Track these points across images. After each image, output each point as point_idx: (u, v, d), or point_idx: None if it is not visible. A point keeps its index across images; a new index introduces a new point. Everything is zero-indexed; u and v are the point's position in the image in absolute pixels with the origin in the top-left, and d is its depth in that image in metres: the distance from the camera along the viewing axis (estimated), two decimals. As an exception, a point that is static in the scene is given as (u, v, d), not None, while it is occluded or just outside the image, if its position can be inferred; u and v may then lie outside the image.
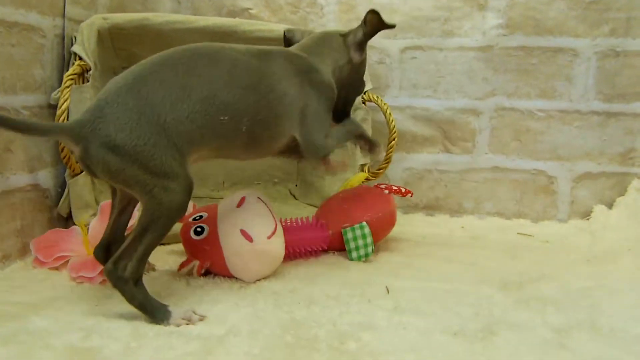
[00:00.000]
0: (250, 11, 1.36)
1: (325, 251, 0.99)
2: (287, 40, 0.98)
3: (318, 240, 0.97)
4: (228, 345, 0.62)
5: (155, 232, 0.69)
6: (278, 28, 1.13)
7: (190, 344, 0.62)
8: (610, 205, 1.30)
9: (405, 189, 1.06)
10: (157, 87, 0.70)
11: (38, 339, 0.63)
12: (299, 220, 1.00)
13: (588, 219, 1.29)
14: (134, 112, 0.68)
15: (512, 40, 1.31)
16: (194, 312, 0.70)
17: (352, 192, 1.06)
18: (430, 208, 1.40)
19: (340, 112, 0.97)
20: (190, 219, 0.90)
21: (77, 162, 0.73)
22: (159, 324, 0.68)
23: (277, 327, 0.67)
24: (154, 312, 0.69)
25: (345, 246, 0.97)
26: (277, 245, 0.86)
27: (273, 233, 0.86)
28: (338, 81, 0.91)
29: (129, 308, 0.72)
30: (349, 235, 0.96)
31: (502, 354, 0.61)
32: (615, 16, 1.27)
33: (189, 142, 0.72)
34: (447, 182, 1.39)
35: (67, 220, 1.02)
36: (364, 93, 1.21)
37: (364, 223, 0.96)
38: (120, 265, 0.68)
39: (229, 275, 0.86)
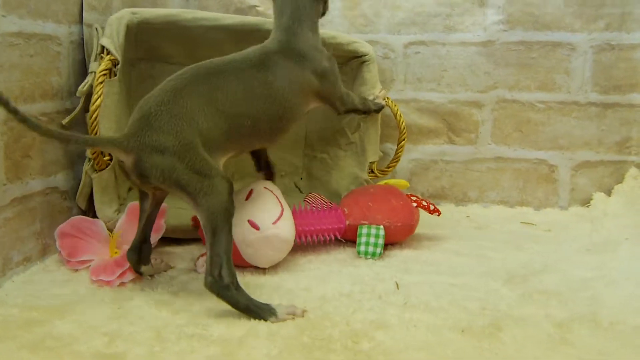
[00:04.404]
0: (257, 8, 1.37)
1: (337, 239, 1.04)
2: None
3: (334, 231, 1.02)
4: (248, 347, 0.65)
5: (222, 232, 0.74)
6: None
7: (211, 347, 0.66)
8: (609, 193, 1.33)
9: (434, 207, 1.08)
10: (193, 99, 0.79)
11: (64, 345, 0.66)
12: (321, 204, 1.05)
13: (588, 207, 1.33)
14: (177, 118, 0.77)
15: (512, 36, 1.34)
16: (295, 307, 0.74)
17: (383, 192, 1.07)
18: (437, 197, 1.43)
19: None
20: None
21: (126, 173, 0.78)
22: (268, 321, 0.72)
23: (293, 328, 0.70)
24: (259, 312, 0.73)
25: (357, 239, 1.00)
26: (285, 229, 0.91)
27: (279, 218, 0.91)
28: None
29: (150, 311, 0.76)
30: (364, 231, 1.00)
31: (508, 350, 0.64)
32: (609, 12, 1.30)
33: (217, 147, 0.80)
34: (452, 172, 1.42)
35: (85, 214, 1.05)
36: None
37: (381, 227, 0.99)
38: (216, 274, 0.73)
39: (247, 265, 0.91)
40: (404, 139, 1.25)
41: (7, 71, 0.84)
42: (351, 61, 1.26)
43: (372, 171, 1.25)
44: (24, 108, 0.89)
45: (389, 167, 1.27)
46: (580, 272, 0.89)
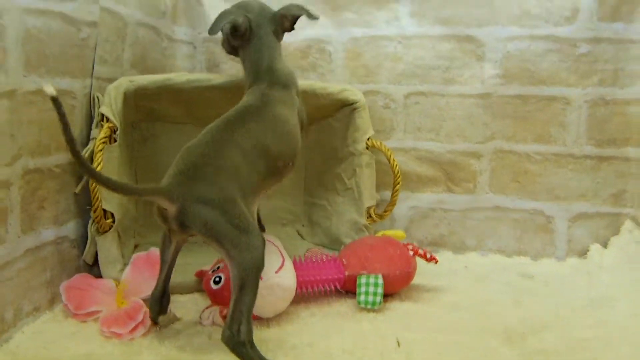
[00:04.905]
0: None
1: (337, 290, 1.06)
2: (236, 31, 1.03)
3: (334, 281, 1.05)
4: (257, 407, 0.67)
5: (250, 289, 0.77)
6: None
7: (221, 406, 0.67)
8: (605, 244, 1.36)
9: (431, 255, 1.11)
10: (233, 149, 0.85)
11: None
12: (322, 257, 1.08)
13: (585, 258, 1.35)
14: (222, 170, 0.81)
15: (509, 89, 1.39)
16: None
17: (381, 242, 1.11)
18: (435, 244, 1.45)
19: None
20: (210, 271, 0.99)
21: (165, 221, 0.81)
22: None
23: (300, 387, 0.72)
24: None
25: (357, 289, 1.03)
26: (286, 278, 0.95)
27: (280, 267, 0.95)
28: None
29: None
30: (363, 281, 1.02)
31: (509, 414, 0.66)
32: (603, 67, 1.35)
33: (253, 191, 0.86)
34: (450, 220, 1.45)
35: (91, 267, 1.08)
36: (368, 139, 1.28)
37: (380, 275, 1.02)
38: (234, 329, 0.75)
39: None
40: (398, 183, 1.28)
41: (25, 127, 0.87)
42: (343, 108, 1.31)
43: (370, 216, 1.28)
44: (40, 161, 0.92)
45: (385, 212, 1.30)
46: (579, 332, 0.91)
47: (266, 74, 1.01)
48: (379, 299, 1.00)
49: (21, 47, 0.85)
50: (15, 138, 0.85)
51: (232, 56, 1.09)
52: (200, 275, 1.03)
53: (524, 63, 1.37)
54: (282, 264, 0.96)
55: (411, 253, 1.10)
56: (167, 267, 0.87)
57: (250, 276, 0.76)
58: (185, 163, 0.81)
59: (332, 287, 1.05)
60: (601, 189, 1.38)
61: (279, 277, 0.94)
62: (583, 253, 1.38)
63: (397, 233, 1.21)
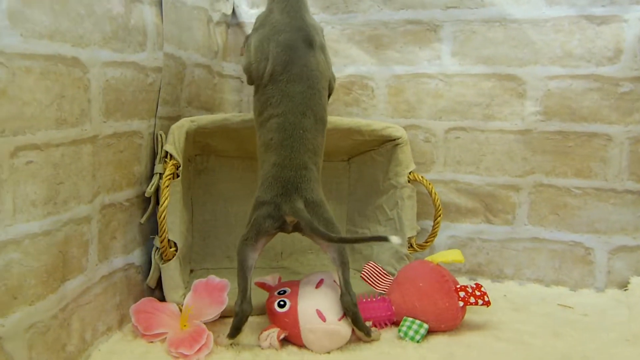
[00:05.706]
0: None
1: None
2: None
3: (384, 319, 1.10)
4: None
5: (348, 263, 1.00)
6: (341, 121, 1.29)
7: None
8: (646, 278, 1.38)
9: (484, 301, 1.08)
10: (306, 153, 1.00)
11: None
12: (378, 274, 1.15)
13: (625, 290, 1.37)
14: (312, 177, 1.00)
15: (550, 126, 1.42)
16: None
17: (430, 289, 1.09)
18: (473, 273, 1.50)
19: None
20: (276, 293, 1.05)
21: (281, 227, 0.98)
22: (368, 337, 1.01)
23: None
24: (366, 329, 1.00)
25: (401, 323, 1.07)
26: (346, 327, 1.01)
27: (343, 316, 1.00)
28: None
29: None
30: (408, 322, 1.06)
31: None
32: (646, 106, 1.38)
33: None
34: (488, 249, 1.49)
35: (153, 291, 1.17)
36: (409, 173, 1.34)
37: (426, 325, 1.05)
38: (350, 295, 0.98)
39: (301, 345, 1.00)
40: (439, 216, 1.34)
41: (104, 168, 0.98)
42: (386, 144, 1.38)
43: (412, 246, 1.34)
44: (113, 197, 1.02)
45: (426, 242, 1.35)
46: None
47: (310, 26, 1.08)
48: (418, 337, 1.04)
49: (102, 97, 0.96)
50: (96, 178, 0.95)
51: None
52: (261, 285, 1.10)
53: (565, 101, 1.41)
54: (344, 314, 1.00)
55: (461, 304, 1.08)
56: (251, 273, 0.98)
57: (347, 254, 0.99)
58: (283, 180, 0.97)
59: (384, 325, 1.10)
60: (642, 223, 1.40)
61: (340, 325, 0.99)
62: (623, 285, 1.39)
63: (456, 258, 1.17)
